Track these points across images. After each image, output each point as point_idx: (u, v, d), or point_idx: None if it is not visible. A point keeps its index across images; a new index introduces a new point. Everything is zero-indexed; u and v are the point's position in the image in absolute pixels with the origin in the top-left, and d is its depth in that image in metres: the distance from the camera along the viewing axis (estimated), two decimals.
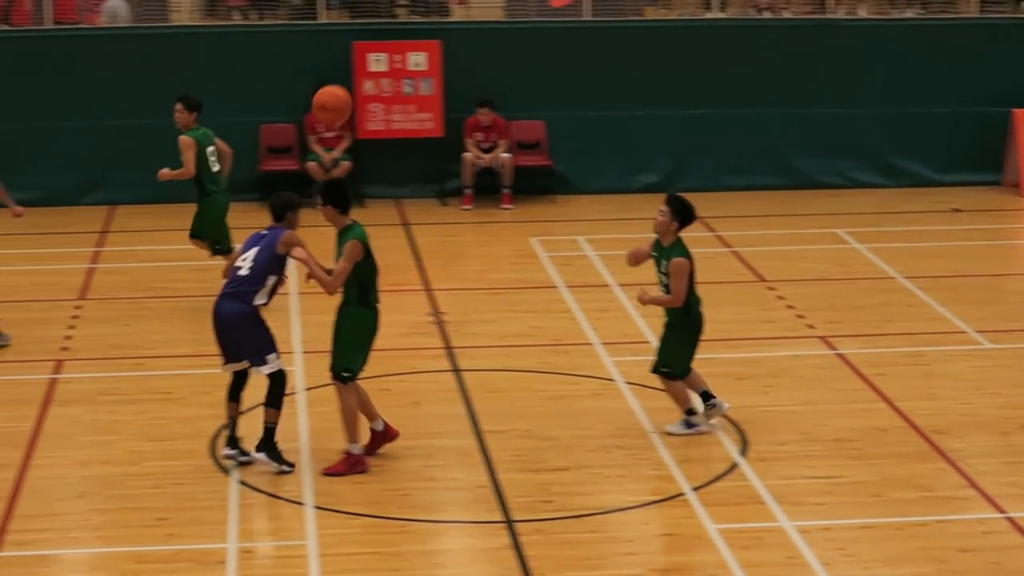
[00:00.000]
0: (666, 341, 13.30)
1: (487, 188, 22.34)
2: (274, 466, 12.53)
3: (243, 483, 12.29)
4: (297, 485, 12.26)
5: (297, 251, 12.33)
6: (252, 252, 12.55)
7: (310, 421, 13.55)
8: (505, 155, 22.25)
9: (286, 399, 12.65)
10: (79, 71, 22.34)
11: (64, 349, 15.82)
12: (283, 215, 12.61)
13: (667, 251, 13.07)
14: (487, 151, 22.30)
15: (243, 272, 12.49)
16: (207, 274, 17.41)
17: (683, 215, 13.10)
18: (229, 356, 12.57)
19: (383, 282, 12.57)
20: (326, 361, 12.57)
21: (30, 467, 12.70)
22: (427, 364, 15.34)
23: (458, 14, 24.08)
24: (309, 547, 11.23)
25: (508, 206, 22.15)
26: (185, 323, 16.51)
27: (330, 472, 12.47)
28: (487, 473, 12.55)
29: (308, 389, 14.26)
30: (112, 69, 22.38)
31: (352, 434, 12.53)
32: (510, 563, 10.98)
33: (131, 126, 22.24)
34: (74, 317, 16.94)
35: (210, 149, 17.04)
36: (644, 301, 13.25)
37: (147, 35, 22.79)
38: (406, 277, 18.38)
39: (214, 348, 12.61)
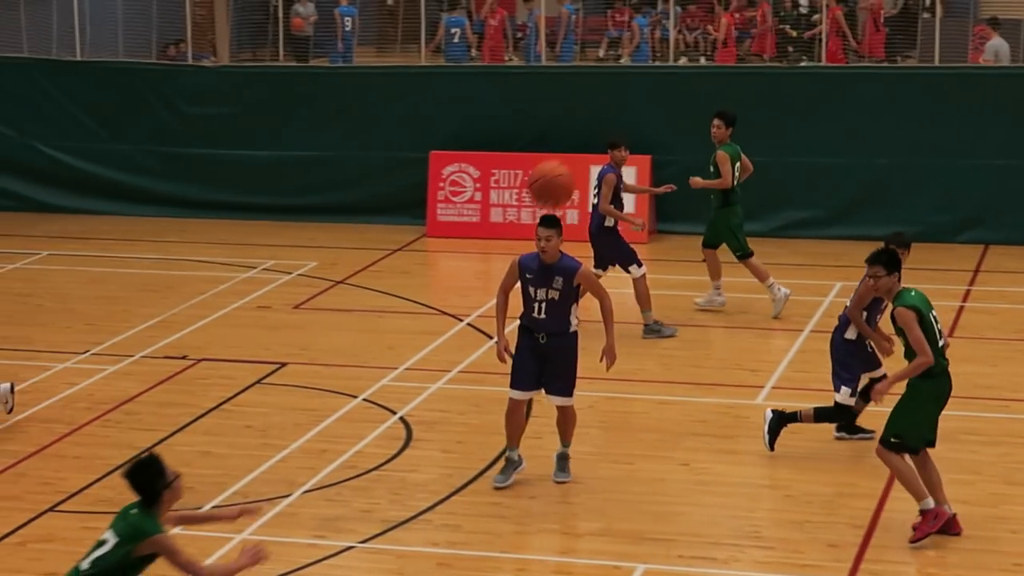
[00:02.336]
0: None
1: None
2: None
3: None
4: None
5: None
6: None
7: None
8: None
9: None
10: (966, 109, 22.37)
11: None
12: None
13: None
14: None
15: None
16: None
17: None
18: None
19: None
20: None
21: (889, 499, 12.84)
22: None
23: None
24: None
25: None
26: None
27: (917, 539, 11.88)
28: None
29: None
30: (996, 108, 22.25)
31: (916, 493, 11.95)
32: None
33: (1014, 167, 22.07)
34: None
35: (737, 164, 18.24)
36: None
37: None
38: None
39: None
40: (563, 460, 13.43)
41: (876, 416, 14.10)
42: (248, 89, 24.93)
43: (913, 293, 11.84)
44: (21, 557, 11.92)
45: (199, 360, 17.02)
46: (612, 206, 17.56)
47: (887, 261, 11.88)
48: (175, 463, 13.49)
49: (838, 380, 13.70)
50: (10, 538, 12.25)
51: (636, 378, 16.24)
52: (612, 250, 17.80)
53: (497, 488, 13.13)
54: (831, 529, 12.21)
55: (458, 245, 23.17)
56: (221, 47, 26.79)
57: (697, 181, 18.32)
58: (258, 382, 16.23)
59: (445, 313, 18.91)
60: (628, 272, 17.78)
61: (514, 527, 12.44)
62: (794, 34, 25.88)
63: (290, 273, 21.12)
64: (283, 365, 16.78)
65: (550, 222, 12.87)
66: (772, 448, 13.83)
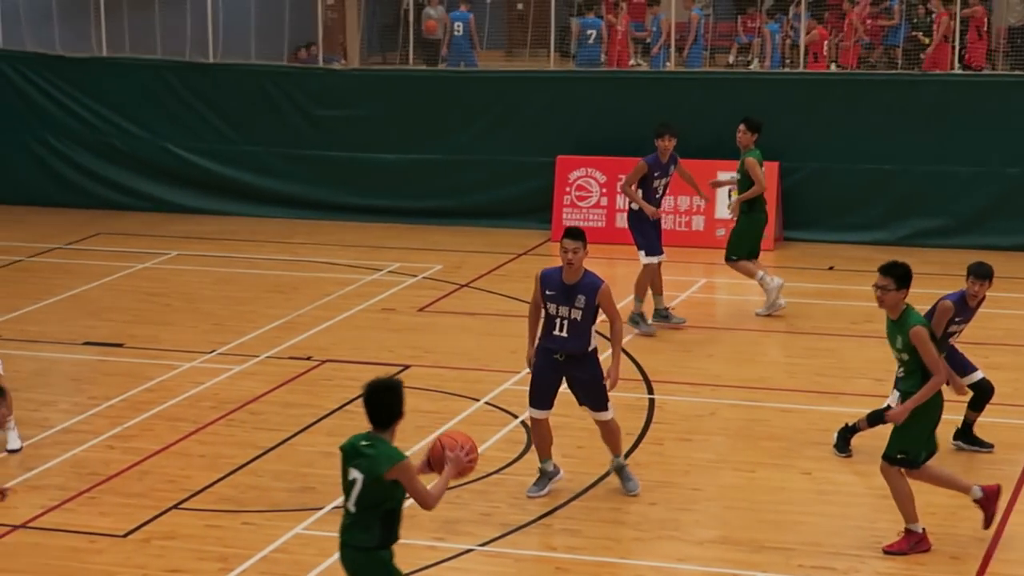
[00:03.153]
0: None
1: None
2: None
3: None
4: None
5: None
6: None
7: None
8: None
9: None
10: None
11: None
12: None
13: None
14: None
15: None
16: None
17: None
18: None
19: None
20: None
21: (1013, 511, 12.68)
22: None
23: None
24: None
25: None
26: None
27: (890, 550, 11.85)
28: None
29: None
30: None
31: (909, 515, 11.84)
32: None
33: None
34: None
35: (762, 170, 18.43)
36: None
37: None
38: None
39: None
40: (620, 471, 13.34)
41: (986, 429, 14.00)
42: (377, 92, 25.10)
43: (917, 312, 11.72)
44: (145, 553, 12.09)
45: (323, 361, 17.17)
46: (636, 190, 17.96)
47: (900, 275, 11.55)
48: (298, 463, 13.75)
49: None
50: (135, 534, 12.43)
51: (759, 386, 16.16)
52: (633, 231, 18.19)
53: (530, 498, 13.11)
54: (953, 541, 12.07)
55: None
56: (352, 50, 27.03)
57: (734, 206, 18.65)
58: None
59: None
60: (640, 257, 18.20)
61: (633, 533, 12.42)
62: (926, 41, 25.58)
63: (415, 276, 21.25)
64: (406, 367, 16.88)
65: (576, 234, 12.84)
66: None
